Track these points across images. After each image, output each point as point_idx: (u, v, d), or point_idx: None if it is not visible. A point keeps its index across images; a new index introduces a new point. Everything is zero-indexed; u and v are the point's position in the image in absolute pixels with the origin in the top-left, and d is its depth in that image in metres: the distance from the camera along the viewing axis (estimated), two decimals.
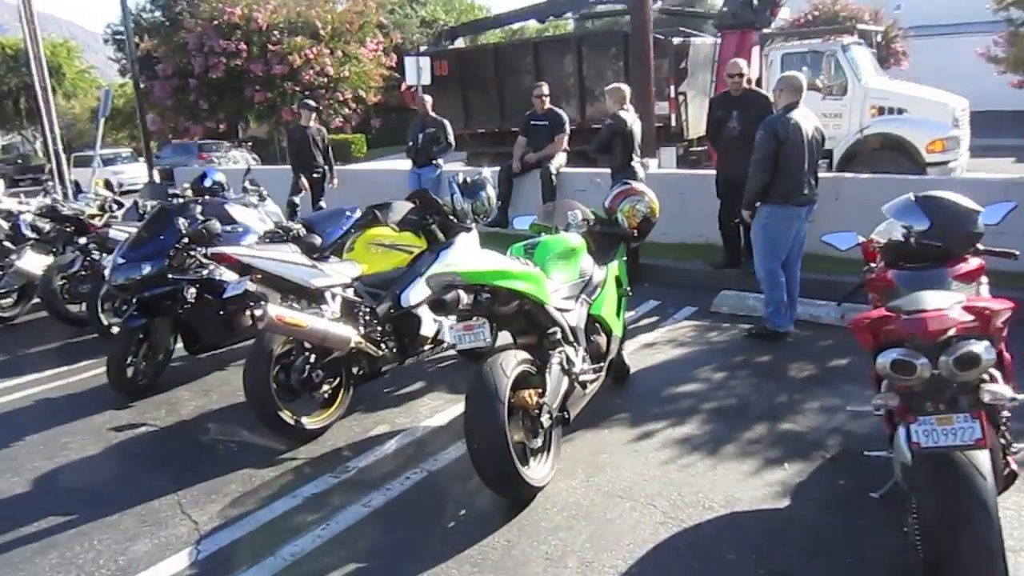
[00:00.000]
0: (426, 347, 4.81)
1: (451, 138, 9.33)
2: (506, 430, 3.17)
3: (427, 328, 4.70)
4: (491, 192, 5.26)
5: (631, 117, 6.97)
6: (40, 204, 8.17)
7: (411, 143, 9.53)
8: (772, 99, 5.85)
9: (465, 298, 3.24)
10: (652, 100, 9.36)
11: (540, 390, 3.46)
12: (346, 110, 13.68)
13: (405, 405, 4.67)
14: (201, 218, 5.07)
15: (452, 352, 5.18)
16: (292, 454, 4.07)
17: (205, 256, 5.03)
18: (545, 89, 8.66)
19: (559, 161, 8.63)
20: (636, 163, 7.02)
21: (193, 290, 4.87)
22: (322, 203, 9.36)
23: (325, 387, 4.23)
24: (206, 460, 4.08)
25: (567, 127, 8.60)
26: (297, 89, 12.85)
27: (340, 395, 4.33)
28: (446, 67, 14.84)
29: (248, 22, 12.18)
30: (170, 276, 4.84)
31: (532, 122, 8.64)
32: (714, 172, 7.17)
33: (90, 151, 20.81)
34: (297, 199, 9.09)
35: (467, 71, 15.11)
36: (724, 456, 3.85)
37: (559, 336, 3.66)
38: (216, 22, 12.13)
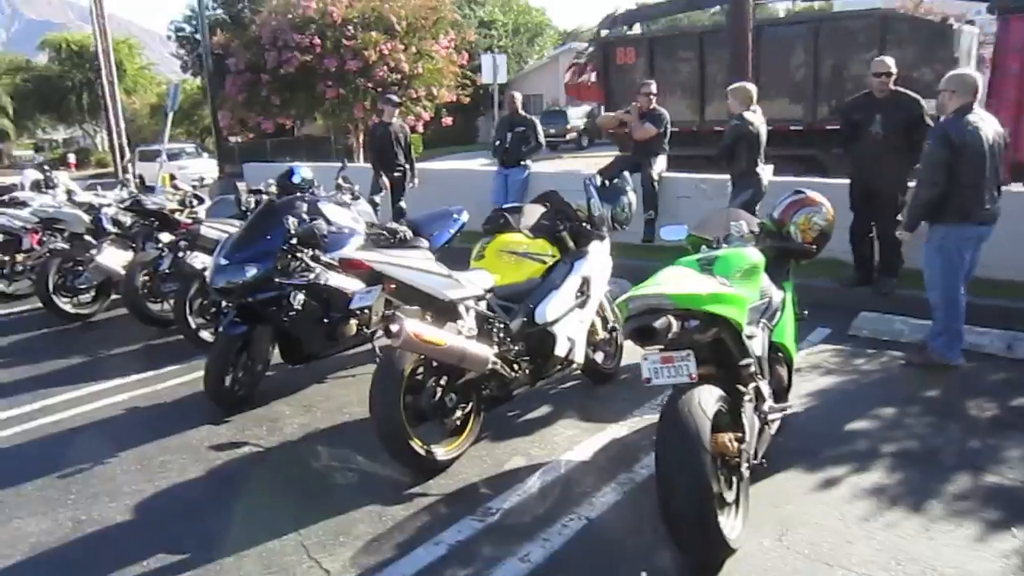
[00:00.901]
0: (558, 368, 4.27)
1: (541, 138, 8.82)
2: (711, 483, 2.63)
3: (561, 347, 4.17)
4: (632, 197, 4.73)
5: (758, 119, 6.37)
6: (118, 197, 7.89)
7: (498, 142, 9.05)
8: (935, 102, 5.21)
9: (675, 326, 2.70)
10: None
11: (739, 434, 2.90)
12: (419, 108, 13.29)
13: (537, 434, 4.14)
14: (307, 217, 4.62)
15: (575, 373, 4.67)
16: (421, 489, 3.56)
17: (312, 258, 4.57)
18: (654, 87, 8.09)
19: (660, 165, 8.05)
20: (760, 169, 6.42)
21: (301, 296, 4.41)
22: (402, 203, 8.92)
23: (458, 413, 3.72)
24: (324, 492, 3.59)
25: (667, 127, 8.02)
26: (370, 85, 12.49)
27: (471, 421, 3.81)
28: (632, 54, 13.44)
29: (323, 16, 11.86)
30: (276, 280, 4.39)
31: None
32: (837, 180, 6.54)
33: (156, 145, 20.74)
34: (378, 199, 8.65)
35: (662, 60, 13.16)
36: (932, 514, 3.24)
37: (754, 369, 3.10)
38: (290, 15, 11.85)
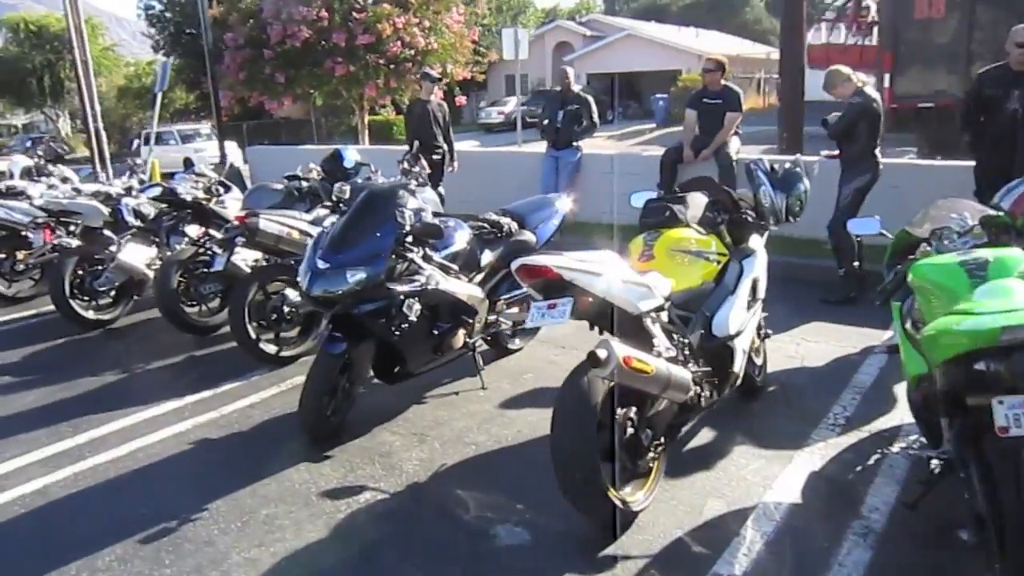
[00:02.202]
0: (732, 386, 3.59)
1: (596, 117, 8.08)
2: None
3: (738, 362, 3.49)
4: (807, 185, 4.03)
5: (877, 95, 5.70)
6: (125, 185, 6.98)
7: (546, 121, 8.28)
8: None
9: None
10: None
11: None
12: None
13: (717, 468, 3.44)
14: (413, 208, 3.84)
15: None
16: (618, 548, 2.84)
17: (424, 259, 3.80)
18: (716, 63, 7.38)
19: (736, 144, 7.37)
20: (879, 152, 5.77)
21: (418, 305, 3.63)
22: (440, 189, 8.11)
23: (651, 453, 3.01)
24: (492, 557, 2.86)
25: (741, 106, 7.33)
26: (381, 62, 11.59)
27: (659, 461, 3.11)
28: (942, 6, 10.75)
29: None
30: (388, 287, 3.61)
31: (704, 100, 7.37)
32: (954, 163, 5.94)
33: (166, 127, 19.31)
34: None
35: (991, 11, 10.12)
36: None
37: None
38: None
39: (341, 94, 12.65)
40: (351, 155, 6.35)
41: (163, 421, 4.20)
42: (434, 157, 8.08)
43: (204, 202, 5.78)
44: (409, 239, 3.67)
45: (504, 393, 4.36)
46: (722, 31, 40.55)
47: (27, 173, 8.75)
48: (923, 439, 3.08)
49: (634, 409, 2.96)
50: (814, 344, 5.00)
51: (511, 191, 8.30)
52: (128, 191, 6.43)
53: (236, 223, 4.82)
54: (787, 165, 4.04)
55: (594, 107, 8.11)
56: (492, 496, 3.27)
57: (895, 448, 3.59)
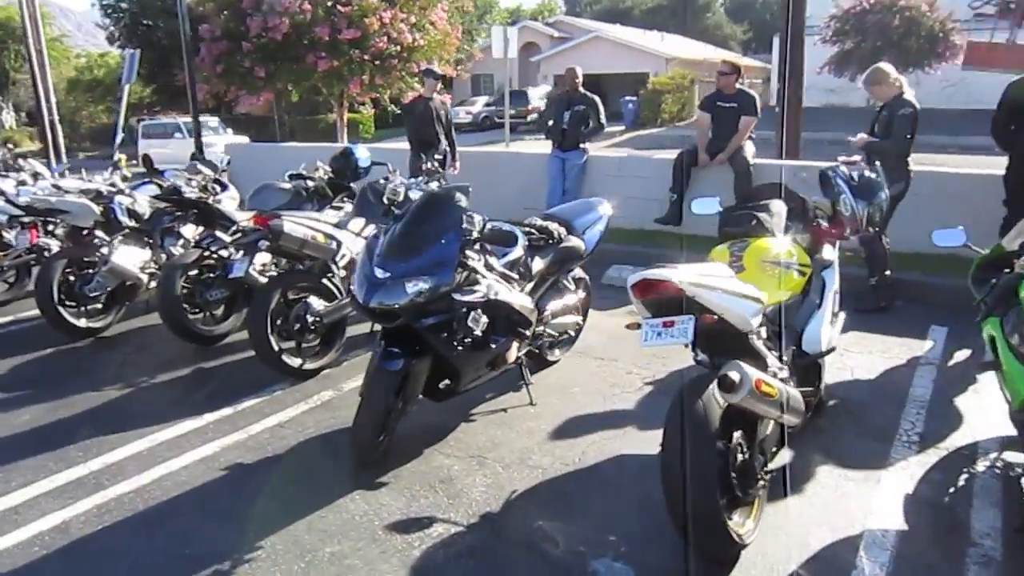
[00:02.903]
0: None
1: (603, 118, 7.86)
2: None
3: (824, 381, 3.30)
4: (888, 193, 3.87)
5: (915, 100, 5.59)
6: (108, 181, 6.50)
7: (552, 122, 8.03)
8: None
9: None
10: None
11: None
12: (417, 84, 12.03)
13: (809, 492, 3.24)
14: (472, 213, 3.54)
15: None
16: None
17: (487, 267, 3.51)
18: (732, 66, 7.24)
19: (751, 149, 7.24)
20: (911, 160, 5.67)
21: (485, 319, 3.34)
22: None
23: (761, 481, 2.78)
24: None
25: (757, 111, 7.20)
26: (366, 57, 11.16)
27: (765, 488, 2.89)
28: None
29: None
30: (453, 298, 3.30)
31: (718, 103, 7.22)
32: (982, 171, 5.87)
33: (171, 119, 18.25)
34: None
35: None
36: None
37: None
38: None
39: (320, 90, 12.20)
40: (363, 153, 6.00)
41: (184, 443, 3.82)
42: (436, 157, 7.76)
43: (211, 202, 5.36)
44: (477, 247, 3.37)
45: (555, 409, 4.10)
46: (684, 36, 40.89)
47: None
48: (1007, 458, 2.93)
49: (742, 432, 2.73)
50: (859, 355, 4.85)
51: (514, 193, 8.05)
52: (120, 190, 5.96)
53: (256, 225, 4.44)
54: (866, 173, 3.86)
55: (601, 108, 7.90)
56: (577, 527, 3.00)
57: (980, 467, 3.45)
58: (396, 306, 3.20)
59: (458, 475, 3.43)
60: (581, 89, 7.86)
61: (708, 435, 2.52)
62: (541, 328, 4.21)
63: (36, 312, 6.06)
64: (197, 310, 5.25)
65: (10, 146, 9.46)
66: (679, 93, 28.38)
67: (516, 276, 3.73)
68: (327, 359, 4.66)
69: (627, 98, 28.20)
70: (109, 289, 5.53)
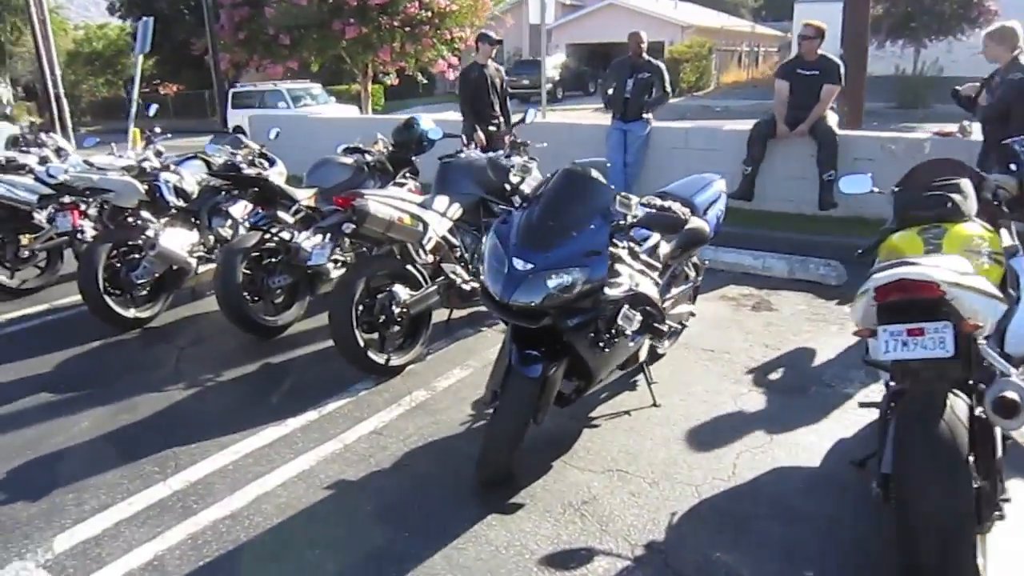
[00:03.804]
0: None
1: (668, 86, 7.33)
2: None
3: None
4: None
5: None
6: (140, 156, 5.98)
7: (611, 91, 7.49)
8: None
9: None
10: None
11: None
12: (447, 51, 11.42)
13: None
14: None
15: None
16: None
17: (631, 255, 3.02)
18: (816, 29, 6.68)
19: (834, 118, 6.73)
20: None
21: (638, 316, 2.87)
22: None
23: (997, 512, 2.34)
24: None
25: (842, 79, 6.66)
26: (396, 24, 10.55)
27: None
28: None
29: None
30: (607, 293, 2.83)
31: (799, 70, 6.68)
32: None
33: (269, 86, 16.86)
34: None
35: None
36: None
37: None
38: None
39: (344, 59, 11.57)
40: (429, 124, 5.48)
41: (274, 455, 3.37)
42: (490, 128, 7.26)
43: (270, 179, 4.86)
44: (632, 232, 2.89)
45: (683, 412, 3.65)
46: (696, 4, 39.93)
47: (13, 143, 7.62)
48: None
49: (975, 456, 2.28)
50: None
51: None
52: (165, 166, 5.44)
53: (337, 206, 3.94)
54: None
55: (667, 75, 7.36)
56: (762, 559, 2.57)
57: None
58: (543, 303, 2.72)
59: (601, 494, 2.98)
60: (645, 55, 7.31)
61: (960, 466, 2.08)
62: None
63: (73, 300, 5.65)
64: (257, 298, 4.78)
65: (33, 120, 8.89)
66: (697, 62, 27.65)
67: (659, 266, 3.25)
68: (413, 354, 4.20)
69: None
70: (156, 275, 5.06)
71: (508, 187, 4.49)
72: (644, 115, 7.35)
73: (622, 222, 2.83)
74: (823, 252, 5.96)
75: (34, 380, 4.30)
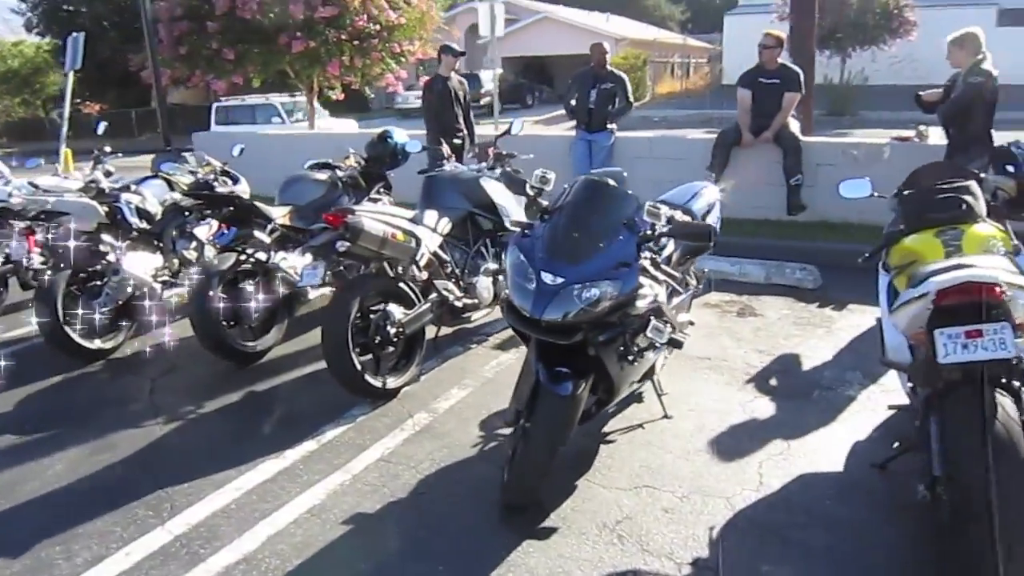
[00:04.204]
0: None
1: (631, 96, 7.37)
2: None
3: None
4: None
5: (995, 71, 5.24)
6: (89, 178, 5.66)
7: (574, 102, 7.49)
8: None
9: None
10: None
11: None
12: (395, 65, 11.22)
13: None
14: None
15: None
16: None
17: (654, 265, 2.96)
18: (777, 38, 6.82)
19: (796, 124, 6.87)
20: (993, 134, 5.34)
21: (669, 329, 2.79)
22: None
23: None
24: None
25: (802, 87, 6.82)
26: (343, 37, 10.31)
27: None
28: None
29: None
30: (637, 305, 2.74)
31: (760, 79, 6.79)
32: None
33: (261, 100, 15.42)
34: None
35: None
36: None
37: None
38: None
39: (288, 74, 11.27)
40: (403, 137, 5.34)
41: (279, 491, 3.16)
42: (455, 141, 7.12)
43: (244, 197, 4.62)
44: (653, 243, 2.82)
45: (695, 423, 3.60)
46: (625, 16, 40.74)
47: None
48: None
49: None
50: None
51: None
52: (126, 186, 5.13)
53: (327, 223, 3.75)
54: None
55: (629, 86, 7.41)
56: (815, 574, 2.51)
57: None
58: (576, 319, 2.62)
59: (633, 512, 2.90)
60: (608, 66, 7.33)
61: (1020, 463, 2.07)
62: None
63: (23, 332, 5.27)
64: (233, 323, 4.53)
65: (3, 139, 8.32)
66: (633, 74, 28.05)
67: (680, 276, 3.20)
68: (408, 376, 4.04)
69: None
70: (119, 302, 4.75)
71: (496, 201, 4.42)
72: (608, 125, 7.37)
73: (649, 232, 2.76)
74: (793, 256, 6.06)
75: None
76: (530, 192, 3.01)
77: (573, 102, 7.51)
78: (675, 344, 3.12)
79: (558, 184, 3.09)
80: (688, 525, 2.80)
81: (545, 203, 2.96)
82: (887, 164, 6.52)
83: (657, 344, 2.79)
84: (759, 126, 6.80)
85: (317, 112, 14.83)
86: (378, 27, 10.65)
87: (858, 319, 4.95)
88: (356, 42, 10.58)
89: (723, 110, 23.93)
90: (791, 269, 5.78)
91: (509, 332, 4.91)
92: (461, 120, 7.24)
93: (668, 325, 2.98)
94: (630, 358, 2.81)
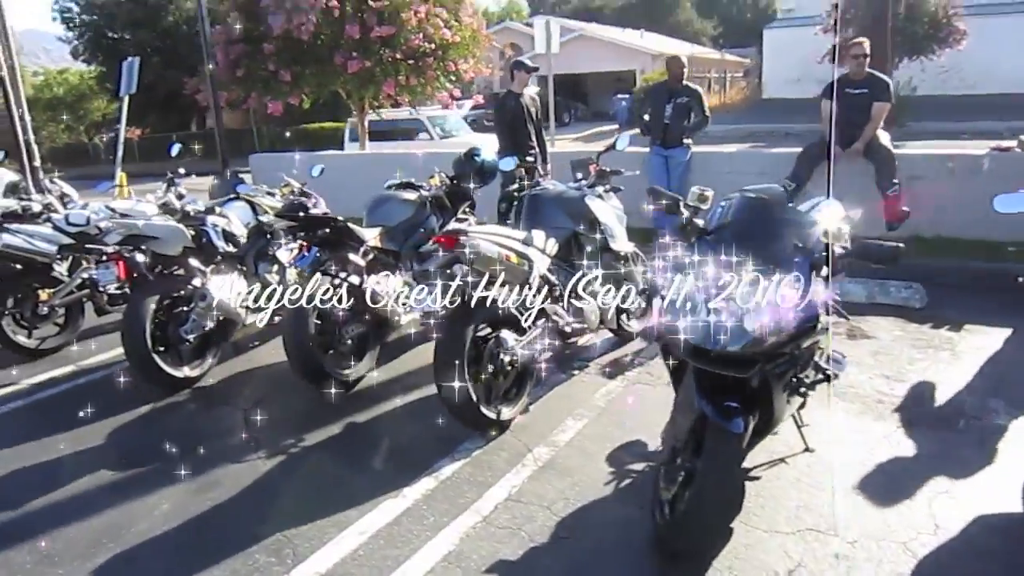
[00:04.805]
0: None
1: (707, 110, 7.13)
2: None
3: None
4: None
5: None
6: (159, 200, 5.54)
7: (645, 116, 7.28)
8: None
9: None
10: None
11: None
12: (449, 84, 11.14)
13: None
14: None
15: None
16: None
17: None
18: (866, 47, 6.55)
19: (886, 135, 6.58)
20: None
21: (847, 359, 2.54)
22: None
23: None
24: None
25: (891, 96, 6.53)
26: (398, 57, 10.25)
27: None
28: None
29: None
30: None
31: (847, 89, 6.52)
32: None
33: (406, 113, 14.63)
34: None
35: None
36: None
37: None
38: None
39: (340, 94, 11.24)
40: (491, 155, 5.16)
41: (407, 534, 2.94)
42: (528, 159, 6.93)
43: (341, 220, 4.46)
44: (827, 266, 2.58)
45: (838, 456, 3.31)
46: (657, 33, 40.64)
47: (12, 190, 7.08)
48: None
49: None
50: None
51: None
52: (211, 209, 5.00)
53: (442, 245, 3.56)
54: None
55: (706, 100, 7.17)
56: None
57: None
58: (754, 349, 2.38)
59: (804, 559, 2.63)
60: (684, 80, 7.11)
61: None
62: None
63: (101, 359, 5.18)
64: (327, 351, 4.35)
65: (48, 164, 8.36)
66: None
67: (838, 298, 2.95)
68: (520, 405, 3.82)
69: (619, 96, 27.55)
70: (205, 329, 4.60)
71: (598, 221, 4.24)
72: (684, 140, 7.13)
73: (826, 255, 2.52)
74: (889, 273, 5.74)
75: (87, 456, 3.81)
76: (684, 211, 2.77)
77: (646, 117, 7.29)
78: (827, 377, 2.89)
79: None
80: (869, 574, 2.53)
81: (701, 223, 2.73)
82: (989, 176, 6.25)
83: (835, 375, 2.54)
84: (849, 137, 6.52)
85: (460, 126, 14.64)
86: (432, 46, 10.53)
87: (980, 340, 4.64)
88: (411, 61, 10.47)
89: (764, 123, 23.63)
90: (896, 288, 5.47)
91: (610, 357, 4.69)
92: (534, 137, 7.05)
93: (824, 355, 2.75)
94: (802, 389, 2.56)
